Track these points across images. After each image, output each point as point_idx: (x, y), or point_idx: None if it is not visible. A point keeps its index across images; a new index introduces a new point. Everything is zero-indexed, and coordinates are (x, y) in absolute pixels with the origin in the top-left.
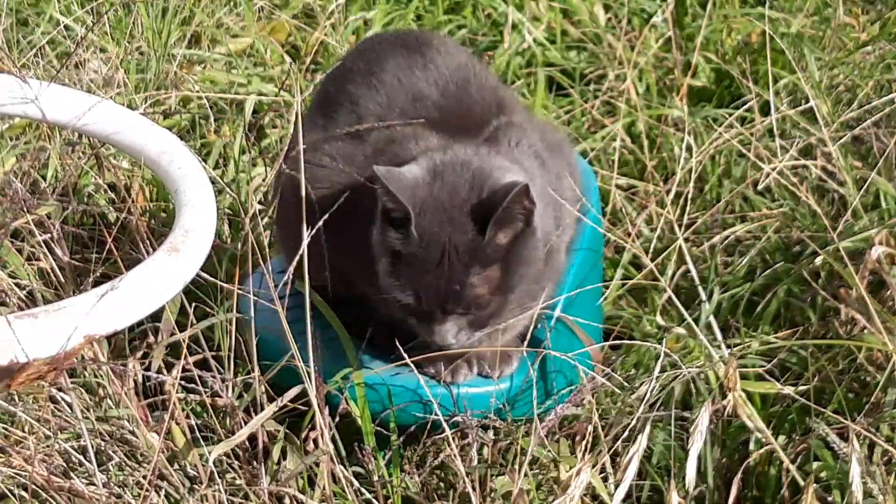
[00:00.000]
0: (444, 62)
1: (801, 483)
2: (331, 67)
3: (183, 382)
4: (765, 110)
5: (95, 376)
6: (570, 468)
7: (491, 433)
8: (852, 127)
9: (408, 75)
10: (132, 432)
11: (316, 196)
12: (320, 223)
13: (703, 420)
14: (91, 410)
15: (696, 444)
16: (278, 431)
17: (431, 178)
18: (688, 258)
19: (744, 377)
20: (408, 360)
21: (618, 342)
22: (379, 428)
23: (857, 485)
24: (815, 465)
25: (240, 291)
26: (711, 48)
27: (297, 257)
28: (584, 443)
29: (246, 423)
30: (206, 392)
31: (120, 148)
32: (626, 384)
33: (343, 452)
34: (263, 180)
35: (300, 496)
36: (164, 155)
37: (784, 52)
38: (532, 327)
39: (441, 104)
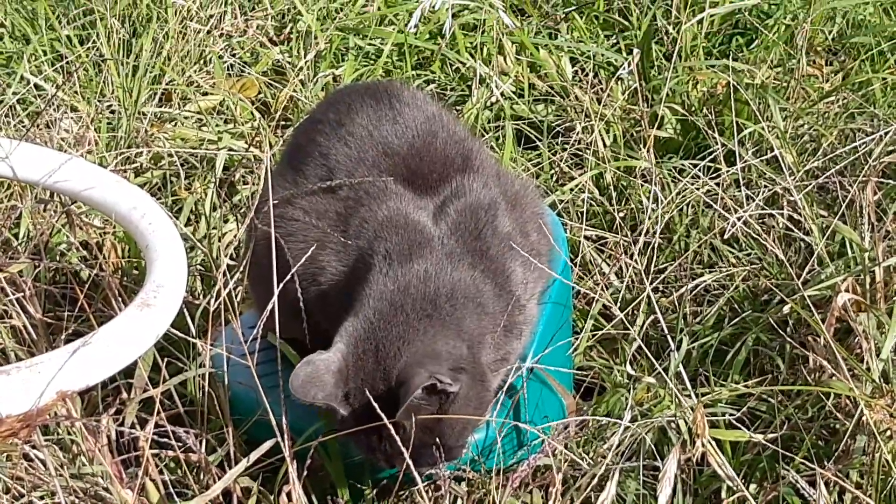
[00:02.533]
0: (412, 114)
1: None
2: (301, 119)
3: (156, 438)
4: (731, 160)
5: (69, 433)
6: None
7: (464, 485)
8: (817, 176)
9: (377, 127)
10: (106, 489)
11: (289, 250)
12: (294, 271)
13: (671, 467)
14: (65, 467)
15: (665, 490)
16: (252, 487)
17: (354, 360)
18: (656, 308)
19: (714, 426)
20: (386, 421)
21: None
22: (352, 481)
23: None
24: None
25: (212, 347)
26: (677, 100)
27: (268, 310)
28: (554, 492)
29: (220, 479)
30: (179, 447)
31: (91, 205)
32: (595, 435)
33: None
34: (235, 236)
35: None
36: (134, 211)
37: (749, 103)
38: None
39: (408, 159)
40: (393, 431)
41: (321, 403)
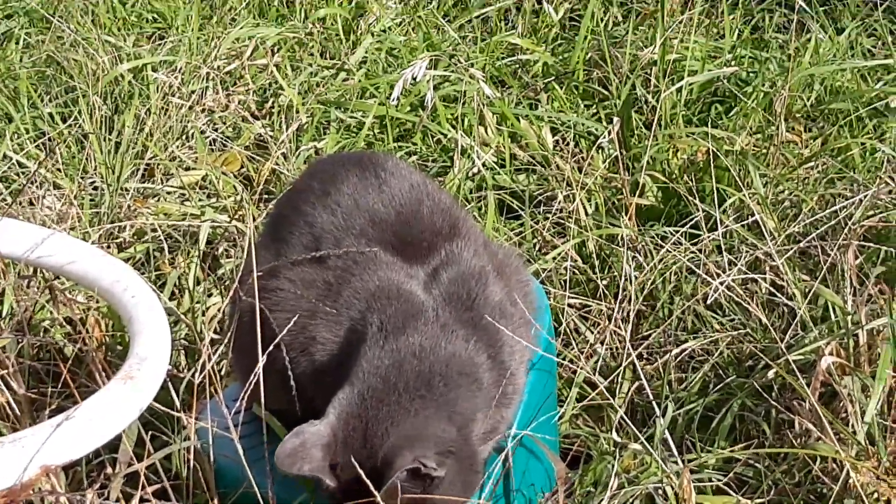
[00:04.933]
0: (397, 183)
1: None
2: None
3: None
4: (712, 227)
5: None
6: None
7: None
8: (798, 241)
9: (363, 196)
10: None
11: (275, 321)
12: (278, 340)
13: None
14: None
15: None
16: None
17: (343, 436)
18: (641, 375)
19: (701, 492)
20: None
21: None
22: None
23: None
24: None
25: (196, 420)
26: (658, 168)
27: (252, 380)
28: None
29: None
30: None
31: (73, 279)
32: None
33: None
34: (219, 310)
35: None
36: (117, 284)
37: (729, 170)
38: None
39: (396, 227)
40: None
41: (308, 474)
